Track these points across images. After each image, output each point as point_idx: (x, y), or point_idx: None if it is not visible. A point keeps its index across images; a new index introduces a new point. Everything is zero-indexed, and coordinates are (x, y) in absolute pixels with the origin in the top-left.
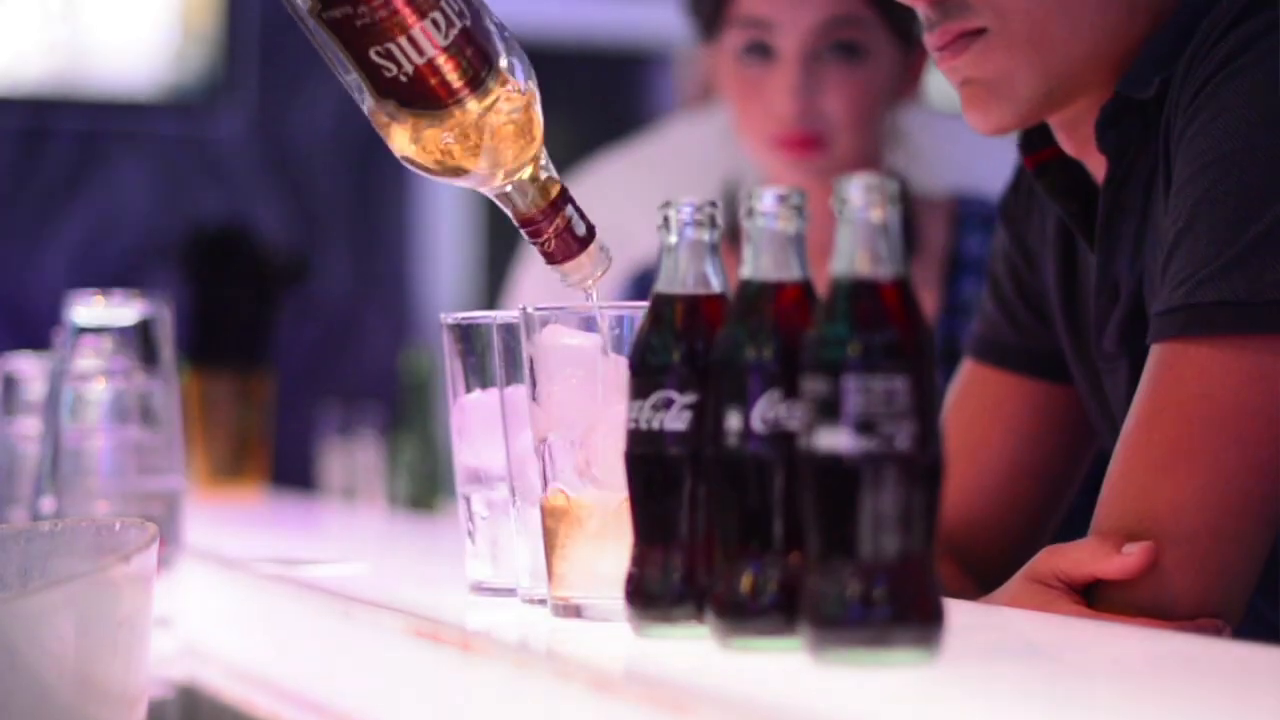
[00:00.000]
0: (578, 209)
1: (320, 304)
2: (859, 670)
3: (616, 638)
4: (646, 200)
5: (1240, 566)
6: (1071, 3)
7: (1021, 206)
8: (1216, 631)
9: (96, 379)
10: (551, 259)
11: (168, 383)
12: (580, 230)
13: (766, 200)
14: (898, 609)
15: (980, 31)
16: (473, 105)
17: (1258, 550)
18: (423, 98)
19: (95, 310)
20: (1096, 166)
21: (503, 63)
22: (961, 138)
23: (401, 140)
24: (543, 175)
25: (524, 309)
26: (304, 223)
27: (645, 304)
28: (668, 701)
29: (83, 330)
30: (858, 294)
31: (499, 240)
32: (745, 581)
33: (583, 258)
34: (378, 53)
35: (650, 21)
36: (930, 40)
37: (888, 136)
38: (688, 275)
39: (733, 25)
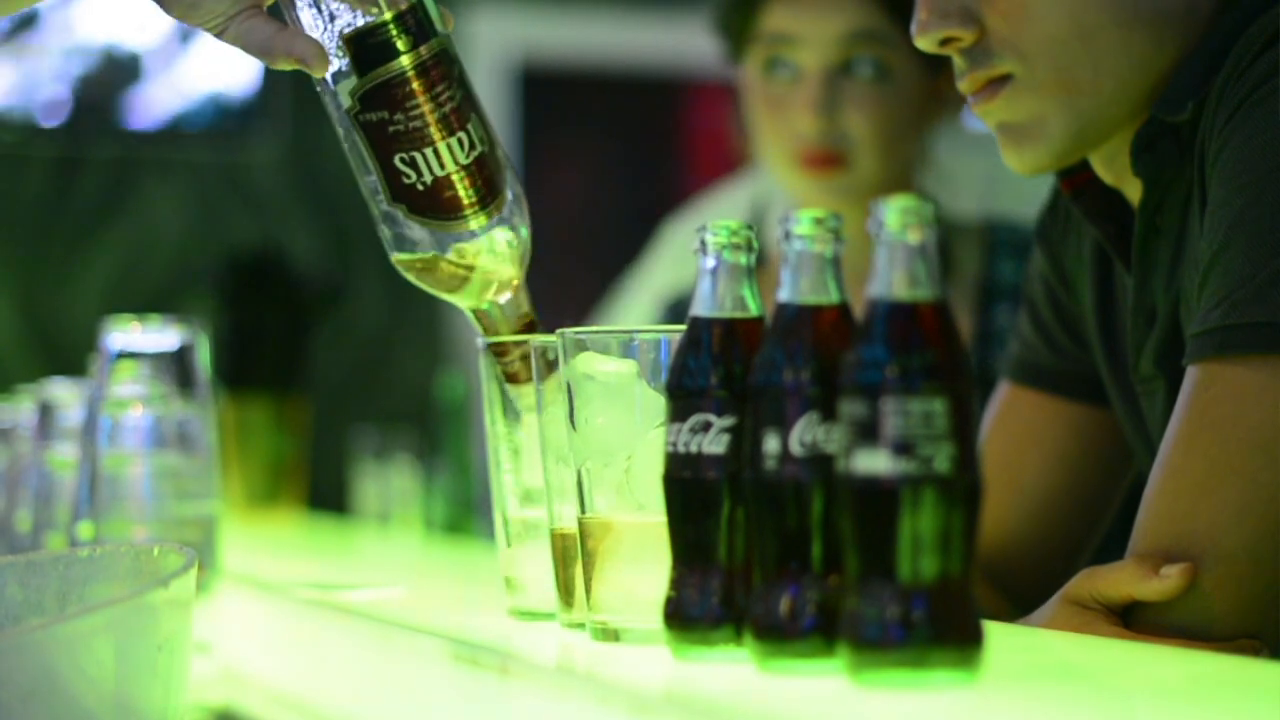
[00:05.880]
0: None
1: (355, 329)
2: (898, 692)
3: (655, 661)
4: None
5: (1279, 587)
6: (1096, 42)
7: (1058, 229)
8: (1255, 652)
9: (133, 405)
10: (512, 380)
11: (204, 408)
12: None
13: (804, 223)
14: (937, 631)
15: (1008, 77)
16: (475, 224)
17: None
18: (432, 209)
19: (132, 337)
20: (1133, 192)
21: (509, 194)
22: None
23: (401, 249)
24: (521, 301)
25: (561, 333)
26: (338, 248)
27: (682, 328)
28: None
29: (119, 357)
30: (895, 316)
31: (532, 265)
32: (784, 604)
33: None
34: (402, 159)
35: (681, 48)
36: (961, 87)
37: (917, 160)
38: (725, 298)
39: (757, 41)
